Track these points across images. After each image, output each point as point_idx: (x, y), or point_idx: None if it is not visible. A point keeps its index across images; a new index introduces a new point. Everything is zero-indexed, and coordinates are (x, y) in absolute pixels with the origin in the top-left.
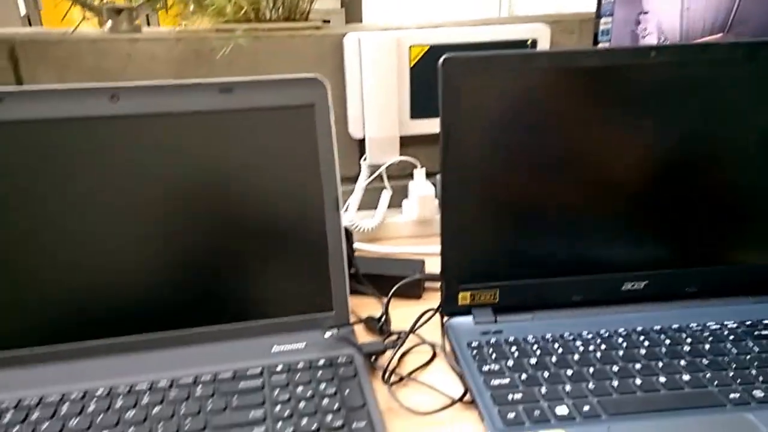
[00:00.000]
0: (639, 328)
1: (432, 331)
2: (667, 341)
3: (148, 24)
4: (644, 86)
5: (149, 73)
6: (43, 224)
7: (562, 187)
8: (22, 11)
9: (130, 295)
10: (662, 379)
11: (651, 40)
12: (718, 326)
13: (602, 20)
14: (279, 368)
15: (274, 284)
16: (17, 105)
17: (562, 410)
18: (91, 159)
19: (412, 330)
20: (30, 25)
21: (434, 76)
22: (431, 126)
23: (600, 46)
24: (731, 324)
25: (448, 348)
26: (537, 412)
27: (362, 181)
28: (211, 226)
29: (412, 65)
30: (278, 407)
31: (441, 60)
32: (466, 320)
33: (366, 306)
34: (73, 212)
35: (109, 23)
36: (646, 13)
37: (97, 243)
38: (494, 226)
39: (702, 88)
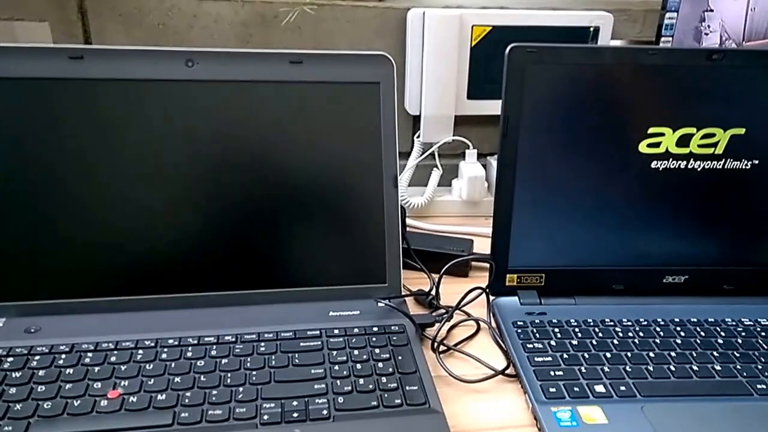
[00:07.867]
0: (677, 319)
1: (477, 308)
2: (702, 333)
3: None
4: (710, 88)
5: (213, 34)
6: (121, 180)
7: (612, 179)
8: None
9: (199, 253)
10: (695, 368)
11: (713, 38)
12: (752, 323)
13: (667, 14)
14: (336, 332)
15: (333, 254)
16: (97, 63)
17: (600, 388)
18: (164, 121)
19: (460, 306)
20: None
21: (494, 58)
22: (486, 107)
23: (662, 41)
24: (764, 321)
25: (493, 324)
26: (576, 389)
27: (414, 159)
28: (276, 195)
29: (473, 45)
30: (336, 367)
31: (508, 48)
32: (512, 300)
33: (414, 280)
34: (150, 171)
35: None
36: (711, 10)
37: (170, 204)
38: (545, 213)
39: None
